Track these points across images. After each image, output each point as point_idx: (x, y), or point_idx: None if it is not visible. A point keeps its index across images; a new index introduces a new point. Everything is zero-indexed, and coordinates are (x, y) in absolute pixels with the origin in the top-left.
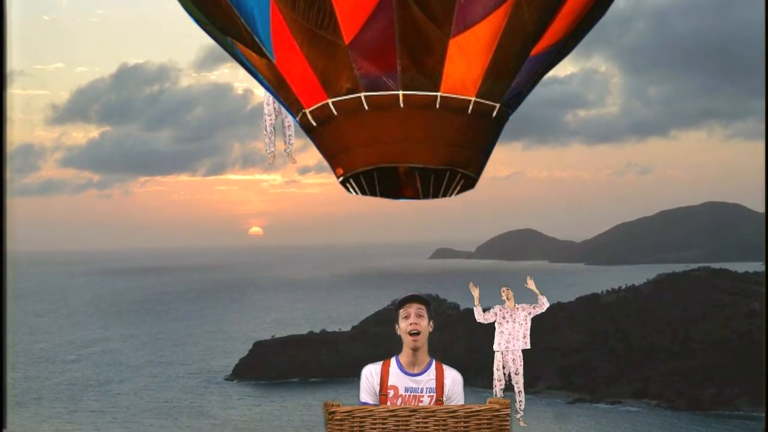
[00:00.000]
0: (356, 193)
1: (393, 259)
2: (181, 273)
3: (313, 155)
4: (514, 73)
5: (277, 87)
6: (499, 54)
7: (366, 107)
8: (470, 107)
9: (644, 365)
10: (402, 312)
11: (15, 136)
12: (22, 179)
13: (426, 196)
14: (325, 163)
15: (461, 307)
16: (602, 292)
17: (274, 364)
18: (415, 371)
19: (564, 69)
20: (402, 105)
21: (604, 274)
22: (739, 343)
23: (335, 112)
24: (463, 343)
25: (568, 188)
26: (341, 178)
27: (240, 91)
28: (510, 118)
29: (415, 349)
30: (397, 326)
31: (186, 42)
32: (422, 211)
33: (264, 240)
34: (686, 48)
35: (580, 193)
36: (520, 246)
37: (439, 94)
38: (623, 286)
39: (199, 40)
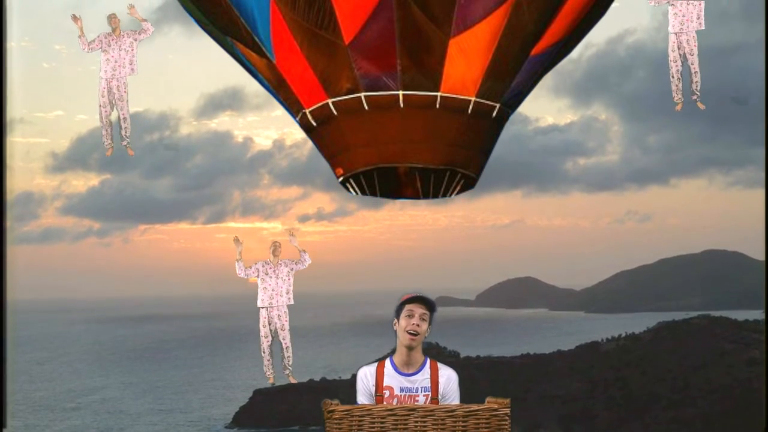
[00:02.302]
0: (356, 193)
1: (393, 308)
2: (181, 321)
3: (312, 203)
4: (515, 73)
5: (277, 87)
6: (499, 54)
7: (366, 107)
8: (470, 107)
9: (644, 413)
10: (406, 309)
11: (15, 184)
12: (23, 227)
13: (426, 196)
14: (325, 211)
15: (461, 355)
16: (602, 340)
17: (274, 413)
18: (410, 371)
19: (564, 117)
20: (402, 105)
21: (604, 322)
22: (739, 391)
23: (335, 112)
24: (462, 391)
25: (568, 236)
26: (341, 179)
27: (240, 139)
28: (510, 118)
29: (409, 348)
30: (395, 321)
31: (186, 90)
32: (422, 259)
33: None
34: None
35: (580, 241)
36: (520, 294)
37: (439, 94)
38: (623, 334)
39: (200, 88)
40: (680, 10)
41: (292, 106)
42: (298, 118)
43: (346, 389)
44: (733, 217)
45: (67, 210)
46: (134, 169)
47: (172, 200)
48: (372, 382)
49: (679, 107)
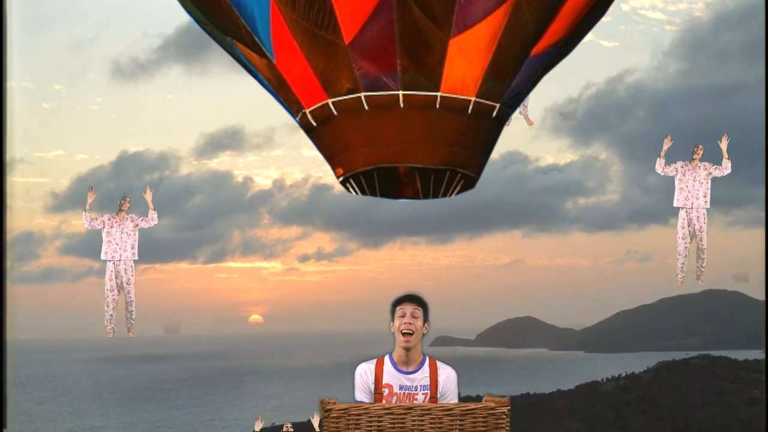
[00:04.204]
0: (356, 193)
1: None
2: (181, 361)
3: (312, 243)
4: (515, 73)
5: (277, 87)
6: (499, 54)
7: (366, 107)
8: (470, 107)
9: None
10: (398, 310)
11: (15, 223)
12: (23, 267)
13: (426, 196)
14: (325, 251)
15: (461, 395)
16: (602, 379)
17: None
18: (409, 369)
19: (564, 157)
20: (402, 105)
21: (604, 362)
22: (739, 431)
23: (335, 112)
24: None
25: (568, 276)
26: (341, 179)
27: (240, 179)
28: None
29: (407, 349)
30: (391, 323)
31: (186, 130)
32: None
33: (264, 327)
34: (686, 136)
35: (580, 281)
36: (520, 334)
37: (439, 94)
38: (623, 374)
39: (200, 127)
40: (686, 186)
41: (292, 106)
42: (298, 118)
43: None
44: (732, 257)
45: (68, 250)
46: (134, 208)
47: (173, 240)
48: (371, 379)
49: (680, 283)
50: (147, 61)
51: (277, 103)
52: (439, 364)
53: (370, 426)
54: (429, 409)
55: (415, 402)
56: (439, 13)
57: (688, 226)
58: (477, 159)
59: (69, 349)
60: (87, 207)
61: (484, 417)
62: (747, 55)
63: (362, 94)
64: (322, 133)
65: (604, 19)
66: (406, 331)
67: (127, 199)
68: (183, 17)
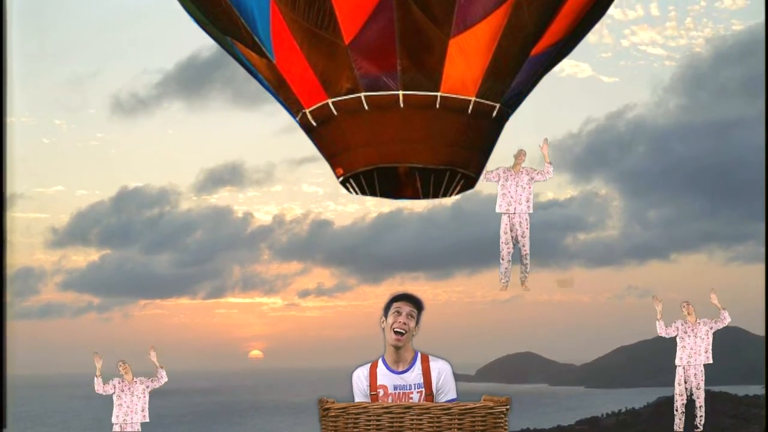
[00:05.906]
0: (356, 193)
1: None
2: (181, 396)
3: (312, 278)
4: (515, 73)
5: (277, 87)
6: (499, 54)
7: (366, 107)
8: (470, 107)
9: None
10: (394, 307)
11: (15, 259)
12: (22, 302)
13: (426, 196)
14: (325, 286)
15: None
16: (602, 415)
17: None
18: (401, 369)
19: (564, 192)
20: (402, 105)
21: (604, 398)
22: None
23: (335, 112)
24: None
25: (568, 311)
26: (341, 178)
27: (240, 215)
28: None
29: (396, 348)
30: (383, 319)
31: (186, 165)
32: (421, 334)
33: (264, 363)
34: (686, 172)
35: (580, 316)
36: (520, 369)
37: (439, 94)
38: (623, 410)
39: (200, 163)
40: (687, 344)
41: (292, 106)
42: (298, 118)
43: None
44: (732, 292)
45: (67, 285)
46: (134, 244)
47: (173, 275)
48: (366, 383)
49: None
50: (147, 97)
51: (278, 139)
52: (430, 358)
53: (369, 425)
54: (428, 408)
55: (410, 401)
56: (439, 13)
57: (685, 383)
58: (477, 159)
59: (69, 385)
60: (97, 373)
61: (482, 416)
62: (747, 91)
63: (362, 94)
64: (322, 133)
65: (603, 55)
66: (398, 330)
67: (122, 363)
68: (183, 53)
